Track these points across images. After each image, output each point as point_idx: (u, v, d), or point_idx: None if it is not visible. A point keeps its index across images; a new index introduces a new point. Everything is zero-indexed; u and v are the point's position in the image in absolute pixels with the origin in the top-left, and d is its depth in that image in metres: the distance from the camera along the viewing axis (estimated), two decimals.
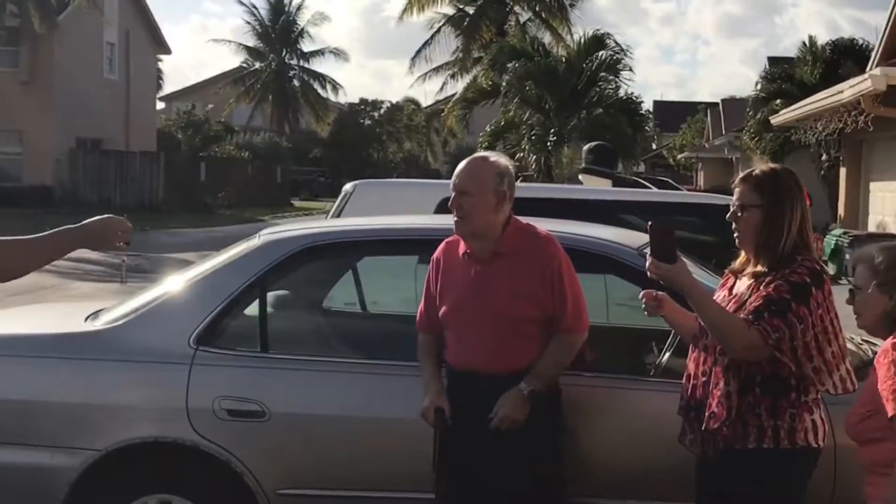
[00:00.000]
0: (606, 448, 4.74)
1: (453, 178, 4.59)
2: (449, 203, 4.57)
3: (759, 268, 4.00)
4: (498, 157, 4.65)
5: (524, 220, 4.67)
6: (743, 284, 4.07)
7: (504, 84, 30.70)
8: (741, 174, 4.13)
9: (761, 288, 3.92)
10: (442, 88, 53.06)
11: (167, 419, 4.89)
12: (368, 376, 4.98)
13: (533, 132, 28.69)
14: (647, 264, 4.02)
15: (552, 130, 28.35)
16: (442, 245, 4.74)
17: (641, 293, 4.32)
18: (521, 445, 4.41)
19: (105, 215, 3.95)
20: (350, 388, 4.96)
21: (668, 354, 5.13)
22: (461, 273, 4.60)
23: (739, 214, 4.05)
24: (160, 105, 67.62)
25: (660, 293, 4.30)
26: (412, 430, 4.60)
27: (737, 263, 4.16)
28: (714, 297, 4.13)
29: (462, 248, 4.62)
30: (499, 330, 4.46)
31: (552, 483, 4.51)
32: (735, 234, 4.10)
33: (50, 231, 3.83)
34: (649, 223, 4.05)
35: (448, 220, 4.65)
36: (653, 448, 4.68)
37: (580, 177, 9.79)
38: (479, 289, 4.52)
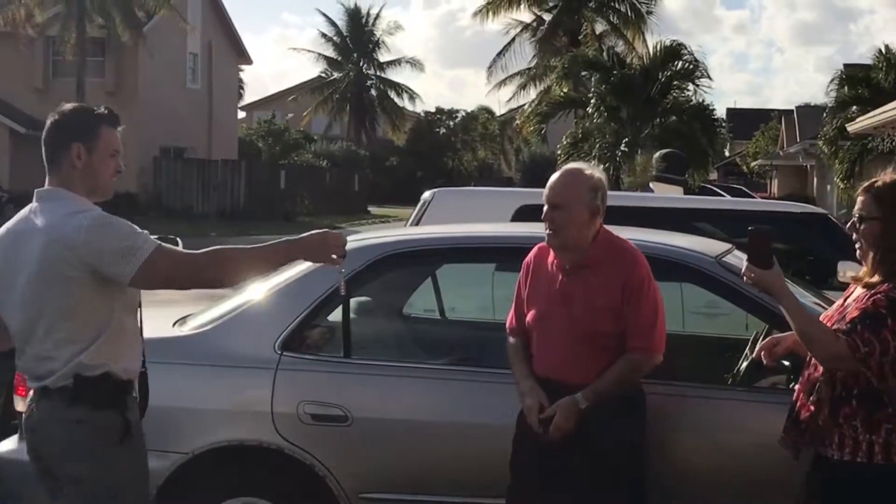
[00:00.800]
0: (681, 457, 4.70)
1: (546, 190, 4.55)
2: (542, 216, 4.54)
3: (874, 279, 3.89)
4: (592, 171, 4.61)
5: (614, 230, 4.65)
6: (855, 294, 3.98)
7: (588, 96, 30.57)
8: (864, 184, 3.98)
9: (864, 300, 3.83)
10: (513, 97, 52.99)
11: (252, 423, 4.94)
12: (448, 382, 4.99)
13: (604, 141, 28.56)
14: (743, 269, 4.00)
15: (625, 140, 28.20)
16: (534, 250, 4.74)
17: (760, 350, 4.26)
18: (600, 455, 4.38)
19: (322, 230, 4.06)
20: (430, 394, 4.98)
21: (745, 363, 5.09)
22: (548, 281, 4.60)
23: (858, 226, 3.92)
24: (241, 114, 68.30)
25: (776, 336, 4.26)
26: (492, 436, 4.61)
27: (860, 272, 4.04)
28: (834, 305, 4.07)
29: (552, 256, 4.62)
30: (579, 342, 4.46)
31: (630, 492, 4.49)
32: (856, 246, 4.00)
33: (271, 242, 3.99)
34: (749, 228, 4.05)
35: (525, 228, 4.67)
36: (729, 457, 4.64)
37: (651, 185, 9.71)
38: (563, 300, 4.51)
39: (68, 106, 3.99)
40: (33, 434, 3.93)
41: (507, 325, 4.78)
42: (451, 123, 74.60)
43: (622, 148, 27.85)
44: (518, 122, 46.87)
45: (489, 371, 4.88)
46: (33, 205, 3.92)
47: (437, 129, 73.84)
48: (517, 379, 4.59)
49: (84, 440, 3.82)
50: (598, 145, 28.55)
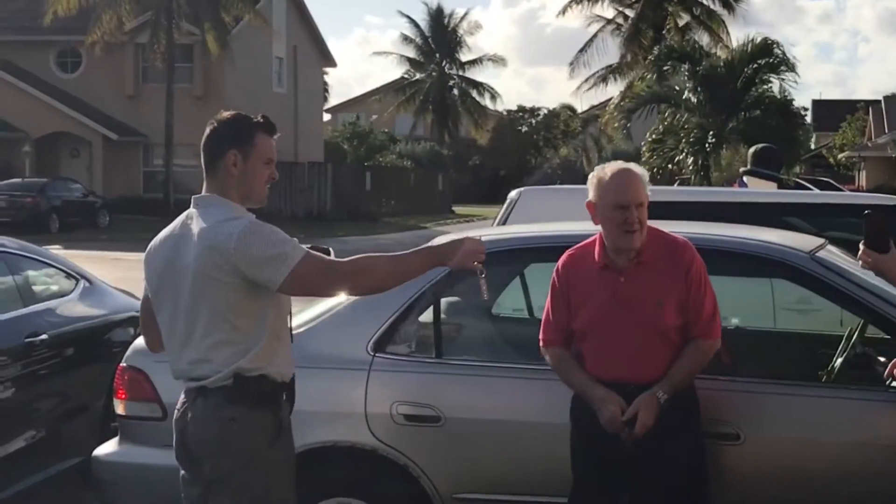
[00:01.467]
0: (776, 456, 4.62)
1: (621, 192, 4.43)
2: (627, 219, 4.41)
3: None
4: (637, 167, 4.59)
5: (686, 225, 4.60)
6: None
7: (675, 89, 30.29)
8: None
9: None
10: (594, 93, 52.78)
11: (346, 424, 4.96)
12: (538, 381, 4.95)
13: (692, 135, 28.28)
14: (860, 253, 3.95)
15: (710, 133, 27.90)
16: (565, 258, 4.67)
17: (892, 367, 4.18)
18: (665, 453, 4.35)
19: (463, 236, 4.14)
20: (521, 393, 4.96)
21: (840, 360, 5.01)
22: (599, 285, 4.51)
23: None
24: (326, 117, 68.86)
25: None
26: None
27: None
28: None
29: (597, 259, 4.54)
30: (647, 340, 4.41)
31: (696, 489, 4.44)
32: None
33: (412, 249, 4.11)
34: (865, 212, 3.99)
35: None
36: (824, 455, 4.56)
37: (745, 179, 9.57)
38: (625, 300, 4.45)
39: (226, 113, 4.10)
40: (185, 432, 4.00)
41: (543, 337, 4.68)
42: (533, 121, 74.49)
43: (710, 140, 27.54)
44: (602, 119, 46.58)
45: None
46: (191, 210, 4.03)
47: (520, 128, 73.76)
48: (584, 387, 4.50)
49: (238, 438, 3.90)
50: (683, 140, 28.26)
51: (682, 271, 4.43)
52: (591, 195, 4.55)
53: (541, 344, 4.69)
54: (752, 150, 10.16)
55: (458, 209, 56.25)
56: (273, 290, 3.85)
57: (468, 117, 70.60)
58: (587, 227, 6.04)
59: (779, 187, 9.63)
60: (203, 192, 4.05)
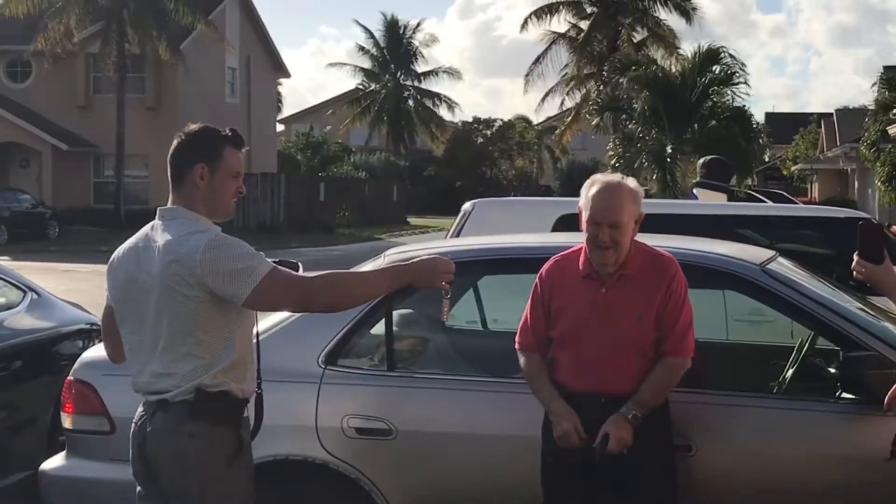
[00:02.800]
0: (728, 467, 4.64)
1: (598, 210, 4.42)
2: (598, 236, 4.42)
3: None
4: (629, 181, 4.56)
5: (641, 237, 4.62)
6: None
7: (630, 98, 30.45)
8: None
9: None
10: (544, 101, 53.00)
11: (298, 437, 4.94)
12: (491, 394, 4.96)
13: (647, 147, 28.40)
14: (854, 264, 3.96)
15: (669, 146, 28.06)
16: (550, 263, 4.67)
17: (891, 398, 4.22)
18: (637, 466, 4.35)
19: (433, 256, 4.18)
20: (474, 406, 4.95)
21: (791, 371, 5.04)
22: (582, 294, 4.52)
23: None
24: (280, 127, 68.66)
25: None
26: (539, 448, 4.58)
27: None
28: None
29: (582, 268, 4.55)
30: (623, 352, 4.42)
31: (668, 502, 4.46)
32: None
33: (383, 266, 4.16)
34: (859, 223, 4.01)
35: (566, 238, 4.62)
36: (776, 466, 4.59)
37: (695, 191, 9.64)
38: (605, 311, 4.45)
39: (194, 126, 4.07)
40: (143, 446, 3.98)
41: (519, 341, 4.68)
42: (489, 133, 74.64)
43: (668, 151, 27.67)
44: (559, 130, 46.77)
45: None
46: (156, 222, 4.01)
47: (475, 139, 73.88)
48: (545, 398, 4.51)
49: (197, 453, 3.88)
50: (642, 152, 28.34)
51: (663, 285, 4.43)
52: (580, 200, 4.55)
53: (516, 347, 4.69)
54: (700, 161, 10.25)
55: (413, 220, 56.22)
56: (238, 304, 3.84)
57: (424, 128, 70.68)
58: (541, 239, 6.09)
59: (729, 198, 9.70)
60: (169, 205, 4.03)
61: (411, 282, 4.15)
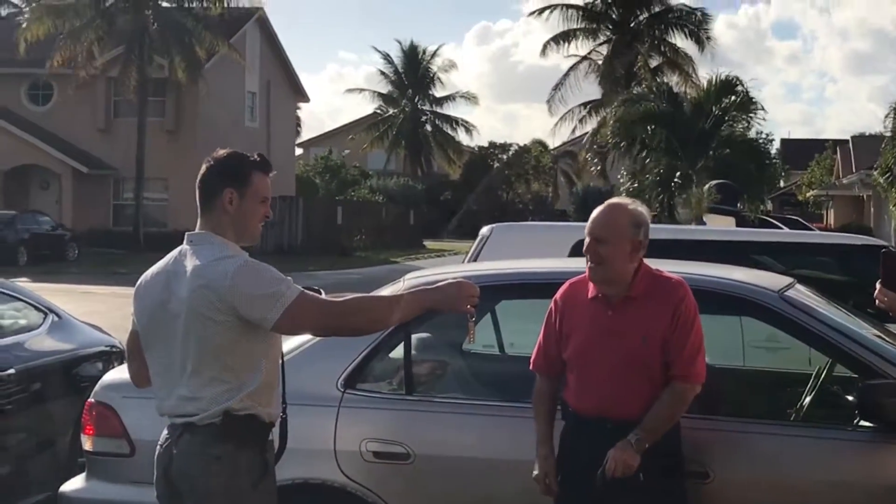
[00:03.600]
0: (745, 495, 4.61)
1: (590, 223, 4.52)
2: (584, 248, 4.54)
3: None
4: (636, 206, 4.57)
5: (653, 262, 4.62)
6: None
7: (612, 125, 30.56)
8: None
9: None
10: (559, 124, 53.06)
11: (316, 461, 4.94)
12: (508, 419, 4.95)
13: (657, 175, 28.41)
14: (876, 292, 3.95)
15: (678, 173, 28.06)
16: (565, 286, 4.69)
17: None
18: (647, 494, 4.33)
19: (458, 279, 4.21)
20: (491, 431, 4.95)
21: (808, 398, 5.02)
22: (589, 316, 4.53)
23: None
24: (298, 151, 68.87)
25: None
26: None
27: None
28: None
29: (591, 290, 4.56)
30: (629, 375, 4.39)
31: None
32: None
33: (407, 291, 4.17)
34: (882, 251, 4.02)
35: (581, 263, 4.62)
36: (794, 494, 4.57)
37: (705, 217, 9.65)
38: (610, 333, 4.45)
39: (223, 152, 4.09)
40: (169, 468, 3.98)
41: (533, 362, 4.72)
42: (504, 157, 74.71)
43: (676, 180, 27.70)
44: (580, 157, 46.77)
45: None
46: (184, 247, 4.03)
47: (491, 163, 73.96)
48: (537, 434, 4.57)
49: (223, 476, 3.88)
50: (651, 179, 28.41)
51: (669, 308, 4.41)
52: None
53: (530, 367, 4.72)
54: (706, 186, 10.27)
55: (429, 244, 56.25)
56: (267, 328, 3.85)
57: (440, 152, 70.76)
58: (559, 264, 6.08)
59: (737, 222, 9.69)
60: (197, 230, 4.05)
61: (437, 306, 4.18)
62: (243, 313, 3.82)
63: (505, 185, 73.03)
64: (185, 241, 4.05)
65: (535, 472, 4.48)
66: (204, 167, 4.06)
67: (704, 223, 9.53)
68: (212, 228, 4.01)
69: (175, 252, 4.07)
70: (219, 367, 3.87)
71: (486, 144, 76.01)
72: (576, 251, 7.72)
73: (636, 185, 28.63)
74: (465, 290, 4.12)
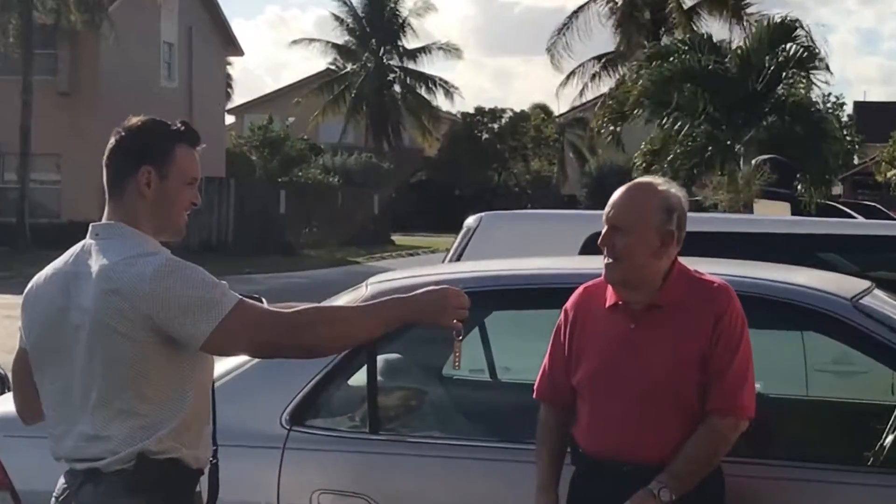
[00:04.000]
0: None
1: (607, 208, 4.53)
2: (599, 240, 4.53)
3: None
4: (668, 186, 4.57)
5: (689, 261, 4.61)
6: None
7: (640, 87, 30.43)
8: None
9: None
10: (567, 83, 52.96)
11: None
12: (502, 464, 4.96)
13: (692, 146, 28.34)
14: None
15: (720, 145, 28.05)
16: (578, 292, 4.68)
17: None
18: None
19: (441, 286, 4.13)
20: (480, 480, 4.95)
21: (891, 437, 5.03)
22: (607, 329, 4.53)
23: None
24: (229, 119, 68.89)
25: None
26: None
27: None
28: None
29: (610, 297, 4.55)
30: (655, 406, 4.39)
31: None
32: None
33: (382, 299, 4.14)
34: None
35: (598, 264, 4.61)
36: None
37: (754, 203, 9.69)
38: (631, 351, 4.44)
39: (136, 120, 4.07)
40: None
41: (537, 389, 4.73)
42: (496, 127, 74.83)
43: (710, 152, 27.68)
44: (591, 124, 46.74)
45: None
46: (87, 242, 4.01)
47: (479, 134, 74.06)
48: (538, 482, 4.57)
49: None
50: (681, 152, 28.35)
51: (710, 321, 4.39)
52: None
53: (534, 395, 4.74)
54: (753, 162, 10.28)
55: (398, 239, 56.35)
56: (195, 347, 3.84)
57: (413, 121, 70.81)
58: (568, 263, 6.08)
59: (793, 209, 9.72)
60: (104, 220, 4.02)
61: (415, 318, 4.13)
62: (164, 326, 3.79)
63: (496, 164, 73.15)
64: (88, 235, 4.03)
65: None
66: (113, 140, 4.04)
67: (753, 211, 9.54)
68: (123, 218, 3.98)
69: (76, 248, 4.04)
70: (131, 398, 3.84)
71: (471, 111, 76.17)
72: (590, 247, 7.73)
73: (666, 157, 28.55)
74: (452, 300, 4.07)
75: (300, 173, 55.32)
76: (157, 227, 4.00)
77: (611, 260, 4.46)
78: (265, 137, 56.40)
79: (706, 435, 4.36)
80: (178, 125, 4.07)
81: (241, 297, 3.89)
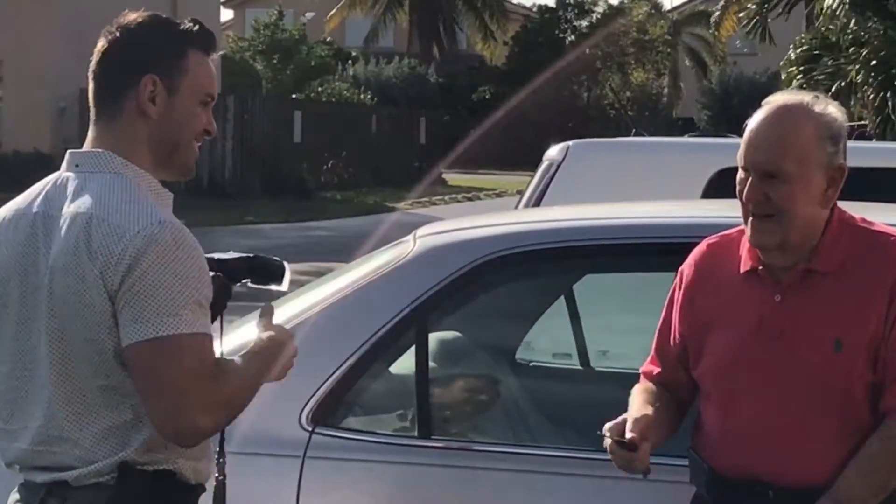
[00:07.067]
0: None
1: (747, 142, 4.41)
2: (738, 188, 4.45)
3: None
4: (825, 104, 4.45)
5: (851, 207, 4.56)
6: None
7: None
8: None
9: None
10: None
11: None
12: (596, 480, 4.97)
13: (871, 54, 28.07)
14: None
15: None
16: (700, 249, 4.65)
17: None
18: None
19: (274, 335, 4.14)
20: (563, 498, 5.00)
21: None
22: (742, 304, 4.48)
23: None
24: (226, 14, 69.05)
25: None
26: None
27: None
28: None
29: (745, 258, 4.50)
30: (811, 407, 4.36)
31: None
32: None
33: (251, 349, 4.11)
34: None
35: (731, 211, 4.58)
36: None
37: None
38: (775, 331, 4.39)
39: (135, 16, 4.04)
40: None
41: (642, 370, 4.74)
42: (585, 25, 74.76)
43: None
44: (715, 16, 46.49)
45: (668, 463, 4.83)
46: (63, 174, 3.97)
47: (561, 36, 74.05)
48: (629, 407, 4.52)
49: None
50: (855, 61, 28.10)
51: (885, 291, 4.31)
52: None
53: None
54: None
55: (452, 178, 56.30)
56: (116, 344, 3.76)
57: (472, 18, 70.84)
58: (687, 209, 6.08)
59: None
60: (87, 146, 4.02)
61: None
62: (116, 303, 3.73)
63: (586, 76, 73.10)
64: (64, 165, 4.01)
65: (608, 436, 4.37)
66: (104, 42, 4.03)
67: None
68: (114, 146, 3.96)
69: (45, 183, 4.01)
70: (107, 387, 3.82)
71: (551, 4, 76.09)
72: (716, 187, 7.72)
73: (826, 67, 28.34)
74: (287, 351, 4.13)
75: (321, 88, 55.47)
76: (158, 160, 3.98)
77: (761, 218, 4.35)
78: (274, 39, 56.57)
79: (882, 443, 4.33)
80: (190, 24, 4.05)
81: (208, 333, 3.84)
